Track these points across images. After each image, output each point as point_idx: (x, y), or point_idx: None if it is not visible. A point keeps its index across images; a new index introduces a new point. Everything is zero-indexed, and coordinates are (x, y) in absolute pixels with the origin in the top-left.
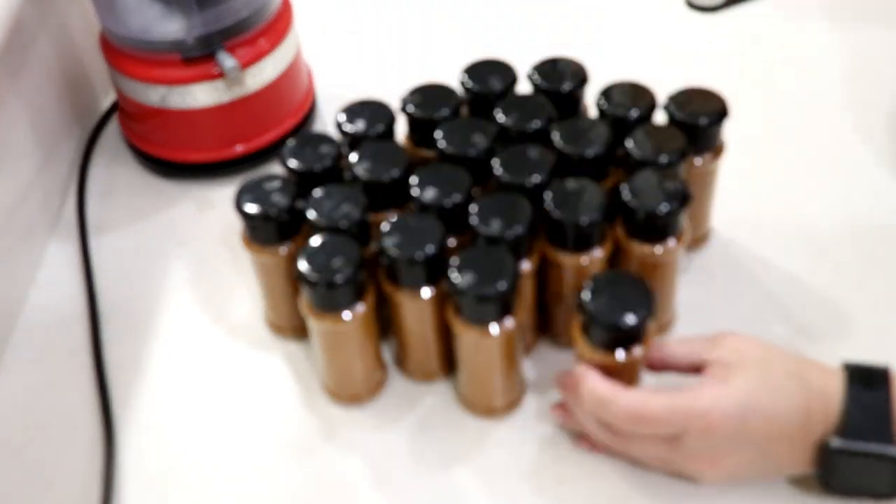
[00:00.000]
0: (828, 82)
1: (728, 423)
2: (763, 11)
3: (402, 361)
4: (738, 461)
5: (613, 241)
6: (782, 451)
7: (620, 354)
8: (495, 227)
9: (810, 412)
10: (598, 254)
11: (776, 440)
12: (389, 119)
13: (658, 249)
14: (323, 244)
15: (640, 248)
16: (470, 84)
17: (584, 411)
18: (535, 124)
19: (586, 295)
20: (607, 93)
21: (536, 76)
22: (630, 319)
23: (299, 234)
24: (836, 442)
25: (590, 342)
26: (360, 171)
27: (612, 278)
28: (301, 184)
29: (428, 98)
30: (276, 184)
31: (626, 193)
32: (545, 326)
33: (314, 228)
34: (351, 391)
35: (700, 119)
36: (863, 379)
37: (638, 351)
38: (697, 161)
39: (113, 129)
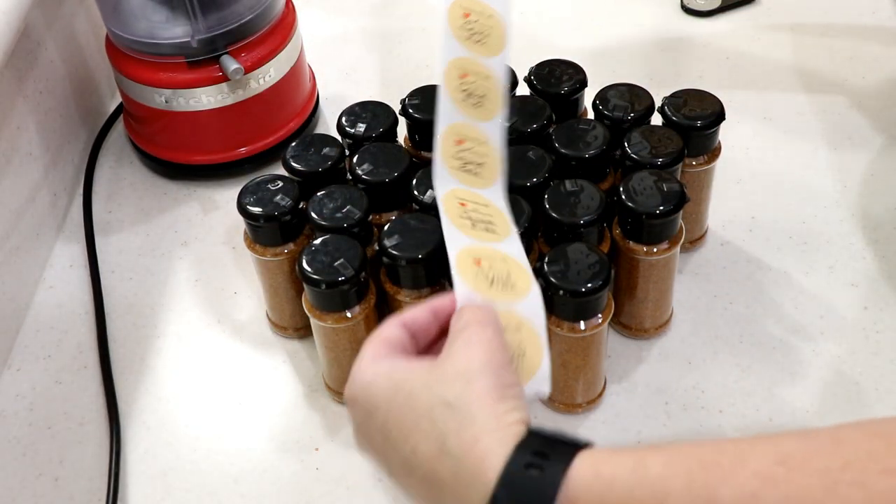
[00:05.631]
0: (823, 85)
1: (356, 410)
2: (758, 15)
3: None
4: (381, 464)
5: (610, 241)
6: (415, 491)
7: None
8: None
9: (440, 479)
10: None
11: (402, 473)
12: (390, 120)
13: (655, 250)
14: (325, 244)
15: (636, 249)
16: None
17: None
18: (534, 126)
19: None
20: (605, 95)
21: (535, 78)
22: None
23: (301, 235)
24: None
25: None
26: (362, 172)
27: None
28: (303, 185)
29: (428, 100)
30: (279, 185)
31: (623, 194)
32: None
33: (316, 229)
34: None
35: (696, 121)
36: (536, 459)
37: None
38: (694, 163)
39: (118, 132)
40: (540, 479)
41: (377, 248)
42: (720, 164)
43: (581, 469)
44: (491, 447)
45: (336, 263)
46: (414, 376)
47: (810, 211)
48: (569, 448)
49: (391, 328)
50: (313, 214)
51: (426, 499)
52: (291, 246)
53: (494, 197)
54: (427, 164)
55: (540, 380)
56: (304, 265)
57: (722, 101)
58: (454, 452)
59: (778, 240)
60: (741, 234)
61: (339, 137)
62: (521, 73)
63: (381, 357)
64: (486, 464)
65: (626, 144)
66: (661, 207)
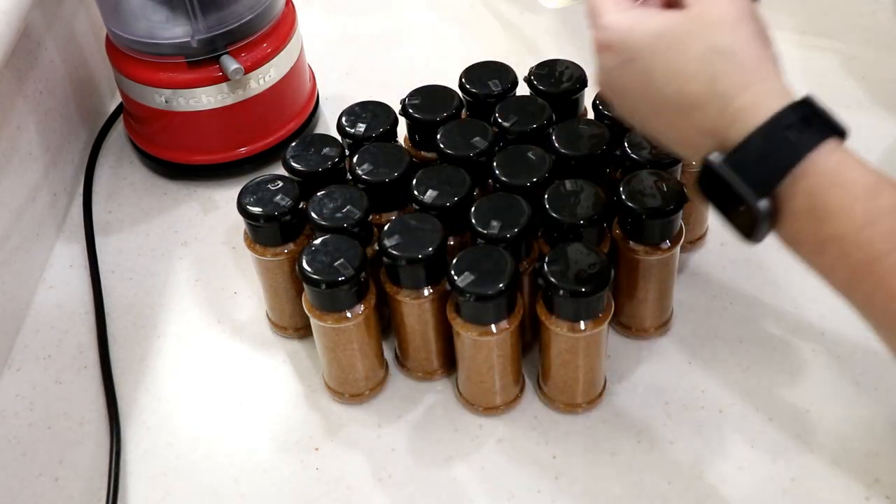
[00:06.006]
0: (822, 86)
1: (608, 53)
2: None
3: (402, 360)
4: (630, 105)
5: (610, 241)
6: (665, 125)
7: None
8: (495, 227)
9: (698, 108)
10: None
11: (657, 111)
12: (390, 121)
13: (654, 250)
14: (325, 244)
15: (636, 249)
16: (469, 86)
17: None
18: (534, 126)
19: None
20: None
21: (535, 78)
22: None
23: (301, 235)
24: (713, 157)
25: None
26: (362, 172)
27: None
28: (303, 185)
29: (428, 100)
30: (279, 185)
31: (623, 194)
32: None
33: (316, 229)
34: (352, 390)
35: None
36: (799, 122)
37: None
38: (694, 162)
39: (119, 132)
40: (793, 142)
41: (377, 248)
42: None
43: (829, 155)
44: (761, 96)
45: (336, 263)
46: (675, 24)
47: None
48: (828, 130)
49: None
50: (313, 214)
51: (677, 133)
52: (291, 246)
53: None
54: (427, 164)
55: None
56: (304, 265)
57: None
58: (724, 93)
59: (778, 240)
60: None
61: (339, 137)
62: (521, 73)
63: (629, 7)
64: (754, 109)
65: (626, 144)
66: (661, 207)
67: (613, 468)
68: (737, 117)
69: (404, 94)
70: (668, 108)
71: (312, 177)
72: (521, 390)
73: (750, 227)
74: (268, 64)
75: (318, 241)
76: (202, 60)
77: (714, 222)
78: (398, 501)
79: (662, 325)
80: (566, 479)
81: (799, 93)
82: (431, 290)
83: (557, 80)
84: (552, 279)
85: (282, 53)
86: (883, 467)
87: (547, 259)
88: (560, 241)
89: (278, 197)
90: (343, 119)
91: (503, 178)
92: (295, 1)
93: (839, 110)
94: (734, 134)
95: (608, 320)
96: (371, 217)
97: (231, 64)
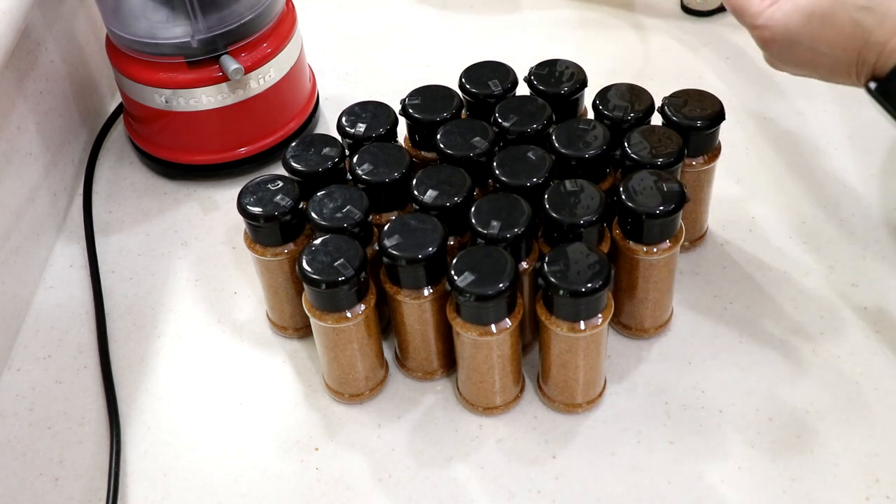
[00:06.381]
0: (822, 85)
1: (773, 45)
2: None
3: (402, 360)
4: (804, 72)
5: (610, 241)
6: (831, 76)
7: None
8: (495, 227)
9: (860, 61)
10: None
11: (828, 69)
12: (391, 121)
13: (654, 250)
14: (325, 244)
15: (636, 249)
16: (469, 86)
17: None
18: (534, 126)
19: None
20: (605, 95)
21: (535, 78)
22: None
23: (301, 235)
24: (871, 85)
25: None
26: (362, 172)
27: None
28: (304, 185)
29: (428, 100)
30: (279, 185)
31: (623, 194)
32: None
33: (316, 229)
34: (352, 389)
35: (696, 121)
36: None
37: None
38: (694, 163)
39: (119, 132)
40: None
41: (377, 248)
42: (720, 164)
43: None
44: None
45: (336, 263)
46: (819, 1)
47: (810, 211)
48: None
49: None
50: (313, 214)
51: (846, 78)
52: (291, 246)
53: None
54: (427, 164)
55: None
56: (304, 265)
57: (722, 101)
58: (878, 41)
59: (778, 240)
60: (741, 234)
61: (339, 137)
62: (521, 73)
63: (770, 3)
64: None
65: (626, 144)
66: (661, 207)
67: (613, 468)
68: (890, 57)
69: (404, 94)
70: (838, 65)
71: (312, 177)
72: (521, 390)
73: None
74: (268, 64)
75: (318, 241)
76: (202, 60)
77: (714, 222)
78: (398, 501)
79: (662, 325)
80: (566, 479)
81: None
82: (431, 290)
83: (557, 80)
84: (552, 279)
85: (282, 53)
86: (883, 467)
87: (547, 259)
88: (560, 241)
89: (278, 197)
90: (343, 119)
91: (503, 178)
92: (295, 1)
93: (842, 107)
94: (887, 68)
95: (608, 320)
96: (371, 217)
97: (231, 64)
